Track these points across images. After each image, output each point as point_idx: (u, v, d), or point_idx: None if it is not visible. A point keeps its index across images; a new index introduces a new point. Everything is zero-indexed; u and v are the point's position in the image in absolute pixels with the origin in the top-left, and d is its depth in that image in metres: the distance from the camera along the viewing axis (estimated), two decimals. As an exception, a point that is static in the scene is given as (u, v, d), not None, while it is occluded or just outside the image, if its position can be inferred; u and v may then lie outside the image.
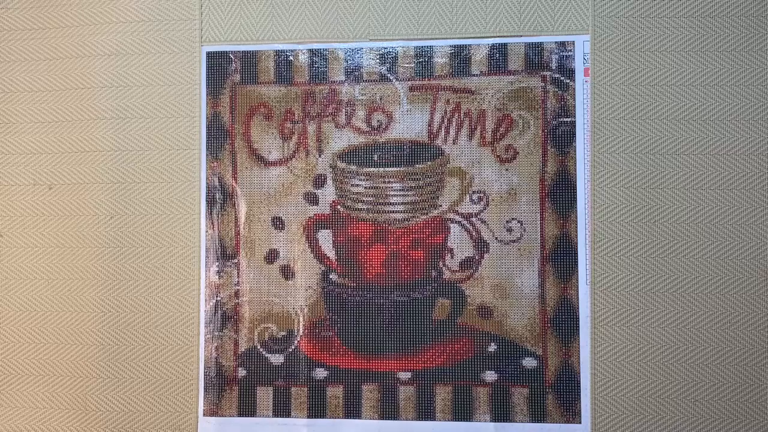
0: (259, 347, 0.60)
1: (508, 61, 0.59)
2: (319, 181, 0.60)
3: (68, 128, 0.61)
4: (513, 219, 0.58)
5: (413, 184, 0.59)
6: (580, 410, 0.57)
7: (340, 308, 0.59)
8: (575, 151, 0.58)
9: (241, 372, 0.60)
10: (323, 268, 0.60)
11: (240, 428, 0.59)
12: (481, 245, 0.59)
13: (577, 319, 0.58)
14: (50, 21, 0.62)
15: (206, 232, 0.60)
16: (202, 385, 0.60)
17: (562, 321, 0.58)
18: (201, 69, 0.61)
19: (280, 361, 0.60)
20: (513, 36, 0.59)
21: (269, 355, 0.60)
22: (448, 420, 0.58)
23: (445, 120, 0.59)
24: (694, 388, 0.56)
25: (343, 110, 0.60)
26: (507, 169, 0.59)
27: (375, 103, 0.60)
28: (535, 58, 0.58)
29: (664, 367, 0.56)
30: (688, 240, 0.56)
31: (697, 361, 0.56)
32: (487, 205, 0.59)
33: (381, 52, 0.60)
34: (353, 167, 0.59)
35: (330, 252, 0.60)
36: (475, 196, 0.59)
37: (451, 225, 0.59)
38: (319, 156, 0.60)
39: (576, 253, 0.58)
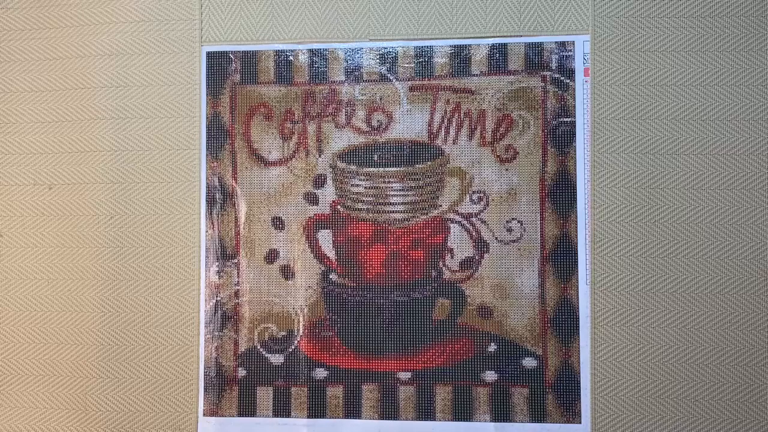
0: (259, 347, 0.60)
1: (508, 61, 0.59)
2: (319, 181, 0.60)
3: (68, 128, 0.61)
4: (513, 219, 0.58)
5: (413, 184, 0.59)
6: (580, 410, 0.57)
7: (340, 308, 0.59)
8: (575, 151, 0.58)
9: (241, 372, 0.60)
10: (323, 268, 0.60)
11: (240, 428, 0.59)
12: (481, 245, 0.59)
13: (577, 319, 0.58)
14: (50, 21, 0.62)
15: (206, 232, 0.60)
16: (202, 385, 0.60)
17: (562, 321, 0.58)
18: (201, 69, 0.61)
19: (280, 361, 0.60)
20: (513, 36, 0.59)
21: (269, 355, 0.60)
22: (448, 420, 0.58)
23: (445, 120, 0.59)
24: (694, 388, 0.56)
25: (343, 110, 0.60)
26: (507, 169, 0.59)
27: (375, 103, 0.60)
28: (535, 58, 0.58)
29: (664, 367, 0.56)
30: (688, 240, 0.56)
31: (697, 361, 0.56)
32: (487, 205, 0.59)
33: (381, 52, 0.60)
34: (353, 167, 0.59)
35: (330, 252, 0.60)
36: (475, 196, 0.59)
37: (451, 225, 0.59)
38: (319, 156, 0.60)
39: (576, 253, 0.58)
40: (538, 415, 0.58)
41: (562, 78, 0.58)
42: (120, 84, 0.61)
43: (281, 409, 0.59)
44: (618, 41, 0.57)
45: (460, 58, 0.59)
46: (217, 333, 0.60)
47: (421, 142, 0.59)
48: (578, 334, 0.57)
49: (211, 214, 0.60)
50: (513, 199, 0.58)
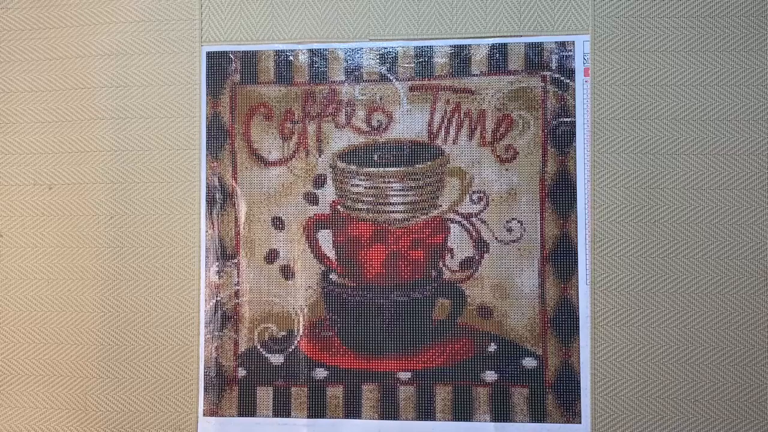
0: (259, 347, 0.60)
1: (508, 61, 0.59)
2: (319, 181, 0.60)
3: (68, 128, 0.61)
4: (513, 219, 0.58)
5: (413, 184, 0.59)
6: (580, 410, 0.57)
7: (340, 308, 0.59)
8: (575, 151, 0.58)
9: (241, 372, 0.60)
10: (323, 268, 0.60)
11: (240, 428, 0.59)
12: (481, 245, 0.59)
13: (577, 319, 0.58)
14: (50, 21, 0.62)
15: (206, 232, 0.60)
16: (202, 385, 0.60)
17: (562, 321, 0.58)
18: (201, 69, 0.61)
19: (280, 361, 0.60)
20: (513, 36, 0.59)
21: (269, 355, 0.60)
22: (448, 420, 0.58)
23: (445, 120, 0.59)
24: (694, 388, 0.56)
25: (343, 110, 0.60)
26: (507, 169, 0.59)
27: (375, 103, 0.60)
28: (535, 58, 0.58)
29: (664, 367, 0.56)
30: (688, 240, 0.56)
31: (697, 361, 0.56)
32: (487, 205, 0.59)
33: (381, 52, 0.60)
34: (353, 167, 0.59)
35: (330, 252, 0.60)
36: (475, 196, 0.59)
37: (451, 225, 0.59)
38: (319, 156, 0.60)
39: (576, 253, 0.58)
40: (538, 415, 0.58)
41: (562, 78, 0.58)
42: (120, 84, 0.61)
43: (281, 409, 0.59)
44: (618, 41, 0.57)
45: (460, 58, 0.59)
46: (217, 333, 0.60)
47: (421, 142, 0.59)
48: (578, 334, 0.57)
49: (211, 214, 0.60)
50: (513, 199, 0.58)
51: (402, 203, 0.59)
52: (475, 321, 0.59)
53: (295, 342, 0.60)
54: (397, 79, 0.59)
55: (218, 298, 0.60)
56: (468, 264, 0.59)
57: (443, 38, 0.59)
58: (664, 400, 0.56)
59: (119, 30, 0.61)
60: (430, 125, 0.59)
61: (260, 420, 0.59)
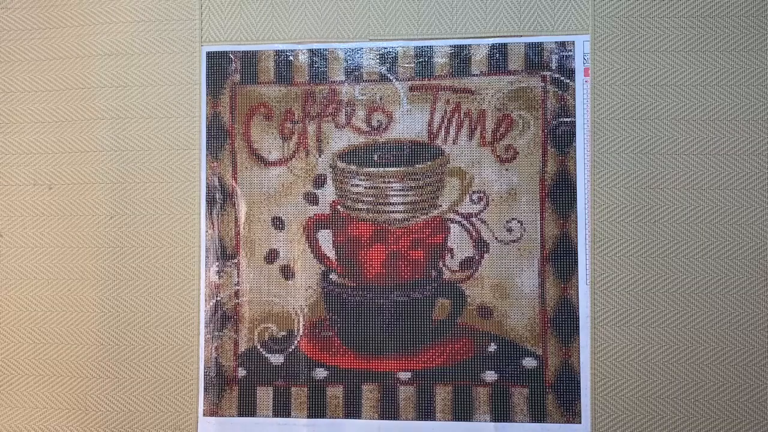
0: (259, 347, 0.60)
1: (508, 61, 0.59)
2: (319, 181, 0.60)
3: (68, 128, 0.61)
4: (513, 219, 0.58)
5: (413, 184, 0.59)
6: (580, 410, 0.57)
7: (340, 308, 0.59)
8: (575, 151, 0.58)
9: (241, 372, 0.60)
10: (323, 268, 0.60)
11: (240, 428, 0.59)
12: (481, 245, 0.59)
13: (577, 319, 0.58)
14: (50, 21, 0.62)
15: (206, 232, 0.60)
16: (202, 385, 0.60)
17: (562, 321, 0.58)
18: (201, 69, 0.61)
19: (280, 361, 0.60)
20: (513, 36, 0.59)
21: (269, 355, 0.60)
22: (448, 420, 0.58)
23: (445, 120, 0.59)
24: (694, 388, 0.56)
25: (343, 110, 0.60)
26: (507, 169, 0.59)
27: (375, 103, 0.60)
28: (535, 58, 0.58)
29: (664, 367, 0.56)
30: (688, 240, 0.56)
31: (697, 361, 0.56)
32: (487, 205, 0.59)
33: (381, 52, 0.60)
34: (353, 167, 0.59)
35: (330, 252, 0.60)
36: (475, 196, 0.59)
37: (451, 225, 0.59)
38: (319, 156, 0.60)
39: (576, 253, 0.58)
40: (538, 415, 0.58)
41: (562, 78, 0.58)
42: (120, 84, 0.61)
43: (281, 409, 0.59)
44: (618, 41, 0.57)
45: (460, 58, 0.59)
46: (217, 333, 0.60)
47: (421, 142, 0.59)
48: (578, 334, 0.57)
49: (211, 214, 0.60)
50: (513, 199, 0.58)
51: (402, 203, 0.59)
52: (475, 321, 0.59)
53: (295, 342, 0.60)
54: (397, 79, 0.59)
55: (218, 298, 0.60)
56: (468, 264, 0.59)
57: (443, 38, 0.59)
58: (664, 400, 0.56)
59: (119, 30, 0.61)
60: (430, 125, 0.59)
61: (260, 420, 0.59)
